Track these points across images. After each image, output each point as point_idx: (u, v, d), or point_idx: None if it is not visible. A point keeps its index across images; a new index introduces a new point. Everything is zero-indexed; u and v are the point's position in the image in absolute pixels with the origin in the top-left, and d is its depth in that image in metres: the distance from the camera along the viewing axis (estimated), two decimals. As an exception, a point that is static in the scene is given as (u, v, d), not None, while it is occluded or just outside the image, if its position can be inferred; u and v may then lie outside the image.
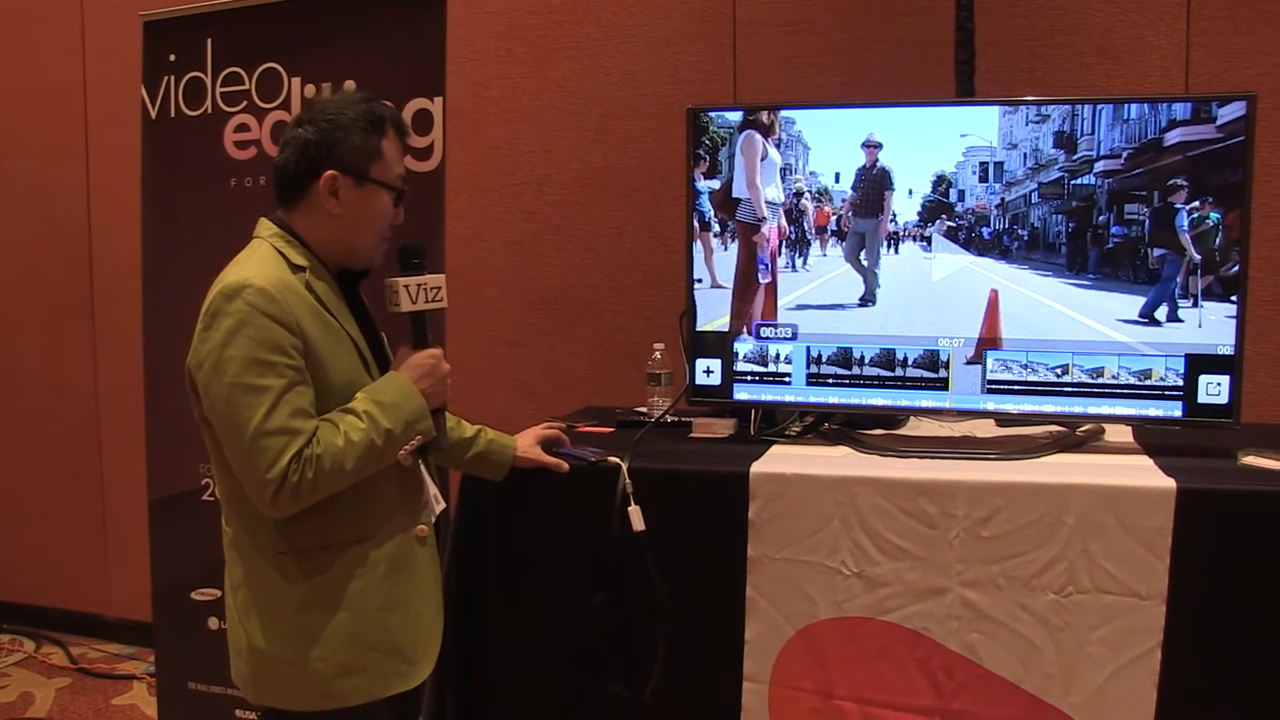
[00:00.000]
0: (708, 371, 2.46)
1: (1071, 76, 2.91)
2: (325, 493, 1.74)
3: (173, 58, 2.92)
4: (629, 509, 2.16)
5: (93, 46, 4.03)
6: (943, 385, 2.34)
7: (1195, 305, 2.20)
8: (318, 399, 1.75)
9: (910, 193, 2.33)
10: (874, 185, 2.35)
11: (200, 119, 2.90)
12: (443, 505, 1.99)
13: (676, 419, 2.56)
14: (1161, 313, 2.22)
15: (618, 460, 2.20)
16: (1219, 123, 2.15)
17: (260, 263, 1.77)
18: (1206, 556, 1.95)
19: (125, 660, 4.01)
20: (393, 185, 1.86)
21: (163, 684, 3.08)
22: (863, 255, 2.38)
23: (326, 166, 1.79)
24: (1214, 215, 2.17)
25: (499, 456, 2.18)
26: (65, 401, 4.19)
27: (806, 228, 2.40)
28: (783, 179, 2.40)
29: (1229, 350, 2.17)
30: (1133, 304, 2.23)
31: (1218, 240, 2.17)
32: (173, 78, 2.93)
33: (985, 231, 2.30)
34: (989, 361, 2.31)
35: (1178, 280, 2.20)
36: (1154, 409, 2.23)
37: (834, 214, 2.38)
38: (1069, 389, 2.26)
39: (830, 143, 2.38)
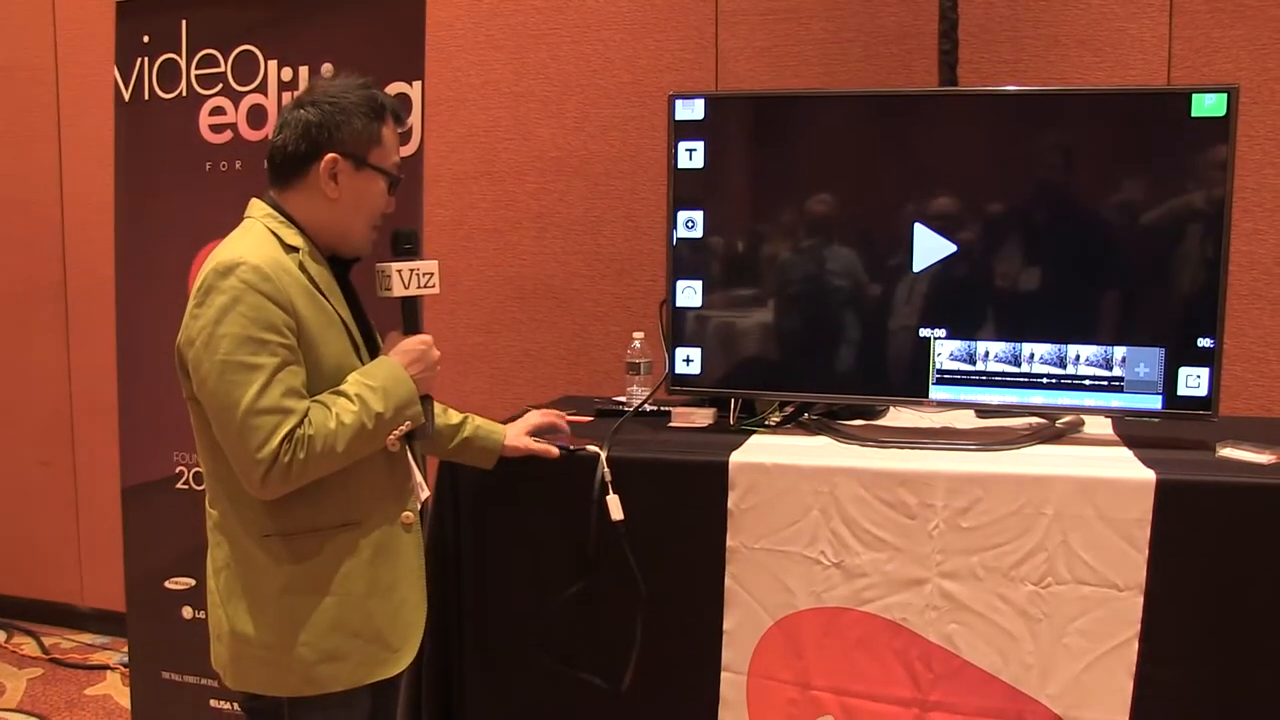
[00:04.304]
0: (687, 360, 2.44)
1: (1054, 68, 2.91)
2: (315, 475, 1.73)
3: (146, 39, 2.88)
4: (607, 498, 2.15)
5: (64, 27, 3.97)
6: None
7: (1175, 297, 2.20)
8: (308, 381, 1.74)
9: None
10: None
11: (175, 102, 2.86)
12: (427, 493, 1.98)
13: (655, 408, 2.55)
14: (1141, 304, 2.22)
15: (596, 449, 2.19)
16: (1200, 116, 2.15)
17: (254, 241, 1.77)
18: (1184, 548, 1.95)
19: (98, 650, 3.97)
20: (389, 172, 1.87)
21: (136, 674, 3.05)
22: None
23: (327, 149, 1.79)
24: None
25: (486, 443, 2.16)
26: (37, 389, 4.14)
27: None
28: (764, 167, 2.39)
29: (1208, 343, 2.18)
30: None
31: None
32: (146, 59, 2.88)
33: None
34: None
35: (1158, 272, 2.20)
36: (1134, 401, 2.23)
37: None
38: (1049, 380, 2.26)
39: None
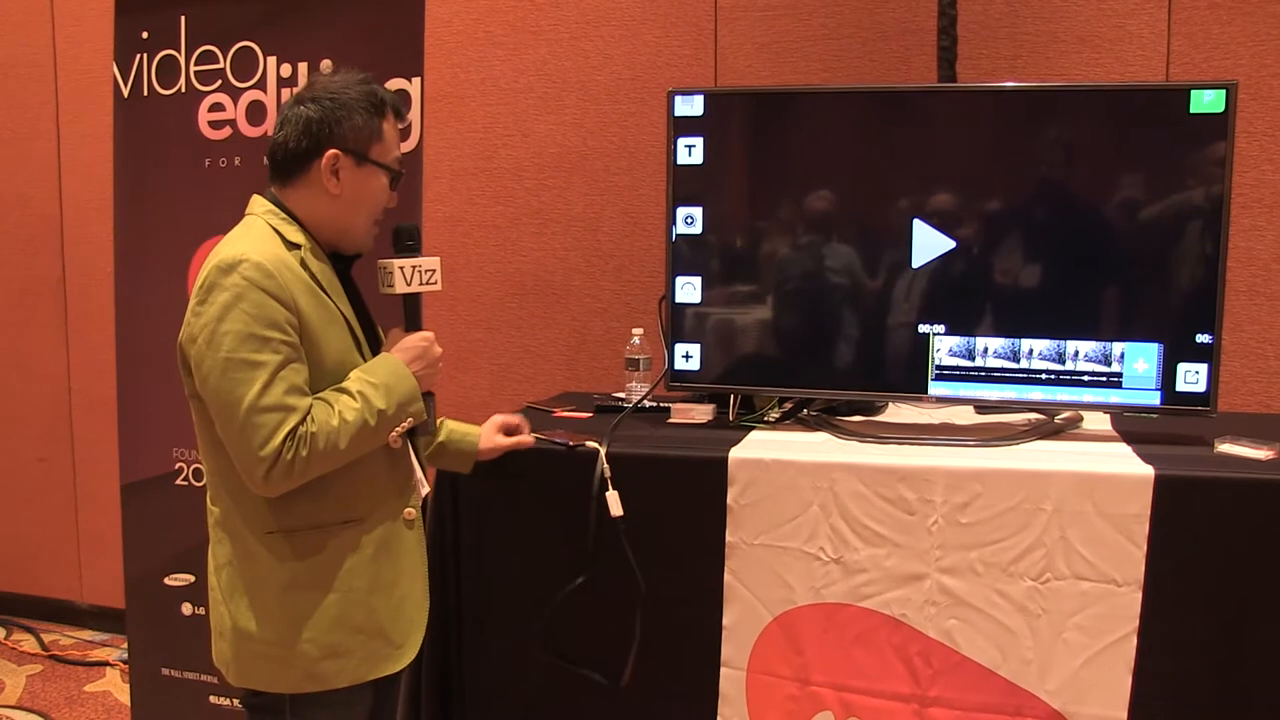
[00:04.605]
0: (687, 356, 2.44)
1: (1053, 64, 2.92)
2: (318, 471, 1.73)
3: (145, 35, 2.87)
4: (607, 494, 2.15)
5: (62, 23, 3.96)
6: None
7: (1174, 293, 2.20)
8: (310, 378, 1.74)
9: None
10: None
11: (174, 98, 2.86)
12: (428, 489, 1.98)
13: (655, 404, 2.55)
14: (1140, 300, 2.22)
15: (596, 445, 2.19)
16: (1198, 112, 2.15)
17: (256, 238, 1.76)
18: (1183, 543, 1.96)
19: (98, 647, 3.97)
20: (391, 167, 1.87)
21: (135, 670, 3.05)
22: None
23: (329, 145, 1.79)
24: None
25: (461, 446, 2.15)
26: (36, 385, 4.14)
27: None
28: (763, 164, 2.39)
29: (1207, 339, 2.18)
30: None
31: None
32: (145, 55, 2.88)
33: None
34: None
35: (1157, 268, 2.21)
36: (1132, 397, 2.23)
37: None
38: (1048, 376, 2.26)
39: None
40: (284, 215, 1.82)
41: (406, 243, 1.92)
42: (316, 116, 1.79)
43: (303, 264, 1.77)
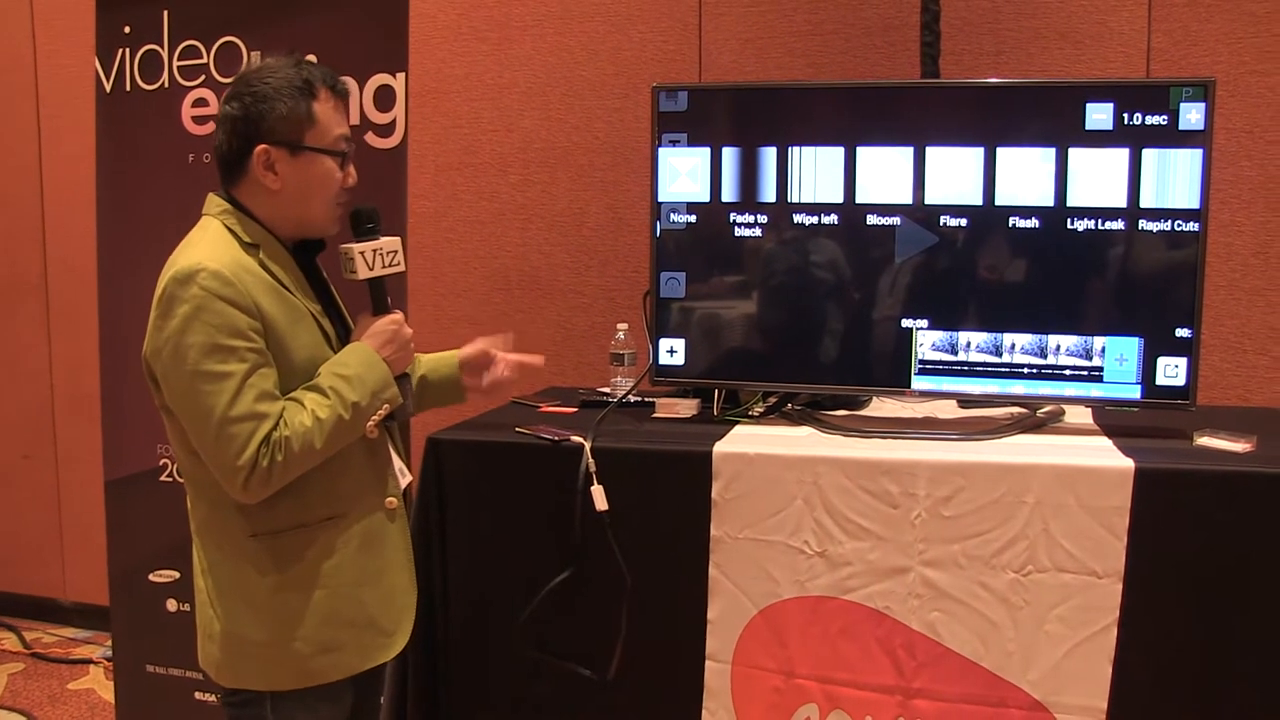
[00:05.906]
0: (671, 351, 2.45)
1: (1035, 60, 2.93)
2: (296, 473, 1.72)
3: (128, 29, 2.86)
4: (592, 489, 2.16)
5: (43, 17, 3.94)
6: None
7: (1154, 288, 2.22)
8: (281, 379, 1.73)
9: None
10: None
11: (157, 93, 2.85)
12: (409, 478, 1.97)
13: (640, 399, 2.56)
14: (1121, 295, 2.24)
15: (581, 440, 2.20)
16: (1177, 107, 2.16)
17: (212, 243, 1.73)
18: (1163, 535, 1.98)
19: (81, 644, 3.96)
20: (331, 149, 1.80)
21: (120, 667, 3.04)
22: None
23: (257, 142, 1.74)
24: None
25: (446, 371, 2.11)
26: (18, 382, 4.12)
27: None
28: (748, 159, 2.40)
29: (1186, 334, 2.20)
30: (1093, 286, 2.25)
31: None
32: (127, 50, 2.87)
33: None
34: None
35: (1137, 263, 2.22)
36: (1113, 391, 2.25)
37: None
38: (1030, 370, 2.28)
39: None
40: (239, 214, 1.78)
41: (366, 225, 1.87)
42: (239, 115, 1.75)
43: (262, 264, 1.75)
